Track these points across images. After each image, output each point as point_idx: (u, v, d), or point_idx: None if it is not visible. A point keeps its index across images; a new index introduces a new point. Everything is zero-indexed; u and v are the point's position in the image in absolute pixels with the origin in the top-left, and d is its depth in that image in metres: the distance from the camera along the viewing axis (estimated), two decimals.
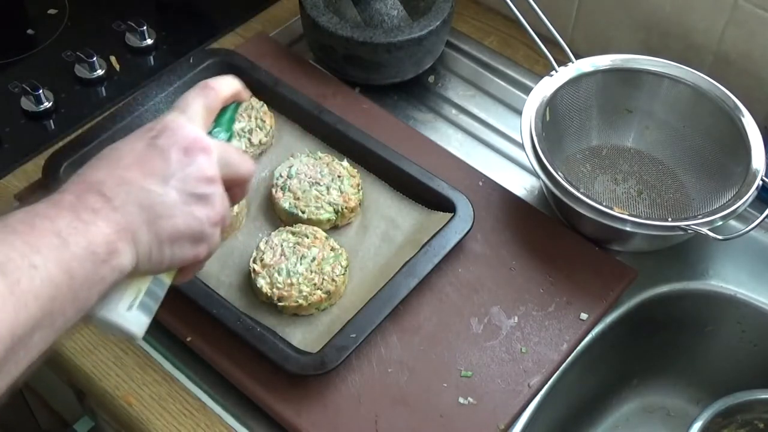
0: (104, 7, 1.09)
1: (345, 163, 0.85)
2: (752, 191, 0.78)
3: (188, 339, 0.75)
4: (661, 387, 0.92)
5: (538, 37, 0.86)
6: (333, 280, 0.76)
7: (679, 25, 0.93)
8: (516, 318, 0.77)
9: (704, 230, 0.75)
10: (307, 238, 0.78)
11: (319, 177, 0.83)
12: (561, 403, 0.80)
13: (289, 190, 0.82)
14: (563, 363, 0.76)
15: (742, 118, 0.83)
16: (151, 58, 1.03)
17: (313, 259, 0.76)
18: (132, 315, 0.56)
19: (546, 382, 0.74)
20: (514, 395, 0.73)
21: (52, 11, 1.08)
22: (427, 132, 0.94)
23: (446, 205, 0.82)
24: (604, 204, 0.77)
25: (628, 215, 0.76)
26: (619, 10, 0.97)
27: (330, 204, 0.81)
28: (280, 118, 0.90)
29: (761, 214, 0.76)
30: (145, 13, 1.06)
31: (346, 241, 0.81)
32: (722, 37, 0.90)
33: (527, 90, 0.88)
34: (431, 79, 1.00)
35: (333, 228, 0.82)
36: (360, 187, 0.83)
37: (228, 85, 0.63)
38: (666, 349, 0.89)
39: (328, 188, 0.82)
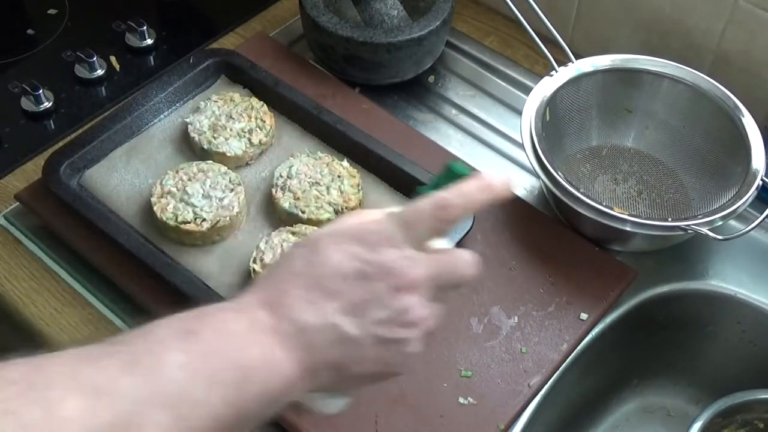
0: (104, 7, 1.09)
1: (345, 163, 0.85)
2: (752, 191, 0.78)
3: None
4: (661, 387, 0.92)
5: (538, 37, 0.86)
6: None
7: (679, 25, 0.93)
8: (516, 318, 0.77)
9: (704, 230, 0.75)
10: None
11: (319, 177, 0.83)
12: (561, 403, 0.80)
13: (289, 190, 0.82)
14: (563, 363, 0.76)
15: (742, 118, 0.83)
16: (151, 58, 1.03)
17: None
18: (328, 403, 0.56)
19: (546, 382, 0.74)
20: (514, 395, 0.73)
21: (52, 11, 1.08)
22: (427, 132, 0.94)
23: None
24: (604, 204, 0.77)
25: (628, 215, 0.76)
26: (619, 10, 0.97)
27: (330, 204, 0.81)
28: (280, 118, 0.90)
29: (761, 214, 0.76)
30: (145, 13, 1.06)
31: None
32: (722, 36, 0.90)
33: (527, 90, 0.88)
34: (431, 79, 1.00)
35: None
36: (360, 187, 0.83)
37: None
38: (666, 349, 0.89)
39: (328, 188, 0.82)
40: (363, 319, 0.49)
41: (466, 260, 0.53)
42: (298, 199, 0.81)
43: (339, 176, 0.83)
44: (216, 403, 0.45)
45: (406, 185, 0.84)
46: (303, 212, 0.80)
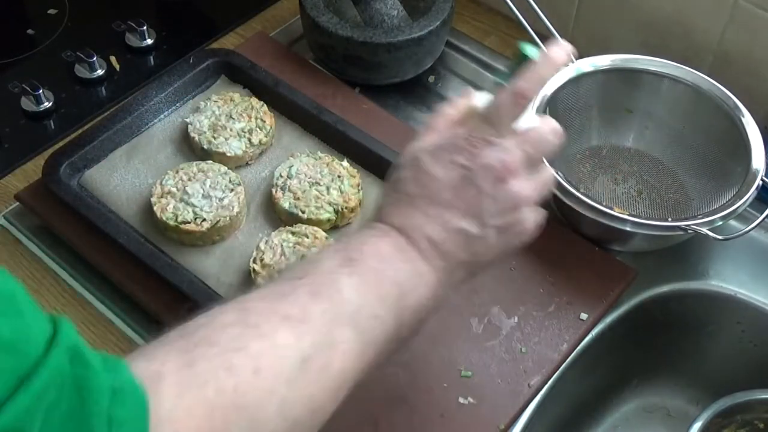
0: (104, 7, 1.09)
1: (345, 163, 0.85)
2: (752, 191, 0.78)
3: None
4: (661, 387, 0.92)
5: (538, 37, 0.86)
6: None
7: (679, 25, 0.93)
8: (516, 318, 0.77)
9: (704, 230, 0.75)
10: (307, 238, 0.78)
11: (319, 177, 0.83)
12: (561, 403, 0.80)
13: (289, 190, 0.82)
14: (563, 363, 0.76)
15: (742, 118, 0.83)
16: (151, 58, 1.03)
17: None
18: None
19: (546, 382, 0.74)
20: (514, 395, 0.73)
21: (52, 11, 1.08)
22: None
23: None
24: (604, 204, 0.77)
25: (628, 215, 0.76)
26: (619, 9, 0.97)
27: (330, 204, 0.81)
28: (280, 118, 0.90)
29: (761, 214, 0.76)
30: (145, 13, 1.06)
31: None
32: (722, 37, 0.90)
33: None
34: (431, 79, 1.00)
35: (333, 228, 0.82)
36: (360, 187, 0.83)
37: (541, 85, 0.59)
38: (666, 350, 0.89)
39: (328, 188, 0.82)
40: (481, 216, 0.56)
41: (552, 128, 0.59)
42: (298, 199, 0.81)
43: (339, 176, 0.83)
44: (385, 316, 0.53)
45: None
46: (303, 212, 0.80)
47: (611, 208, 0.77)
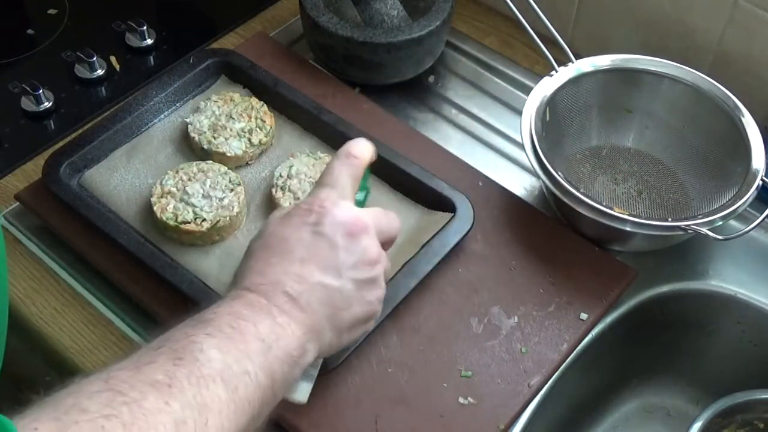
0: (104, 7, 1.09)
1: None
2: (752, 191, 0.78)
3: None
4: (661, 387, 0.92)
5: (538, 37, 0.86)
6: None
7: (679, 25, 0.93)
8: (516, 318, 0.77)
9: (704, 230, 0.75)
10: None
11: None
12: (561, 403, 0.80)
13: (289, 190, 0.82)
14: (563, 363, 0.76)
15: (742, 118, 0.83)
16: (151, 58, 1.03)
17: None
18: (297, 385, 0.62)
19: (546, 382, 0.74)
20: (514, 395, 0.73)
21: (52, 11, 1.08)
22: (427, 132, 0.94)
23: (446, 205, 0.82)
24: (604, 204, 0.77)
25: (628, 215, 0.76)
26: (619, 10, 0.97)
27: None
28: (280, 118, 0.90)
29: (761, 214, 0.76)
30: (145, 13, 1.06)
31: None
32: (722, 37, 0.90)
33: (527, 90, 0.88)
34: (431, 79, 1.00)
35: None
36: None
37: (367, 151, 0.65)
38: (666, 349, 0.89)
39: None
40: (338, 269, 0.58)
41: (394, 215, 0.64)
42: (298, 199, 0.81)
43: None
44: (255, 372, 0.52)
45: (406, 185, 0.84)
46: None
47: (611, 208, 0.77)
